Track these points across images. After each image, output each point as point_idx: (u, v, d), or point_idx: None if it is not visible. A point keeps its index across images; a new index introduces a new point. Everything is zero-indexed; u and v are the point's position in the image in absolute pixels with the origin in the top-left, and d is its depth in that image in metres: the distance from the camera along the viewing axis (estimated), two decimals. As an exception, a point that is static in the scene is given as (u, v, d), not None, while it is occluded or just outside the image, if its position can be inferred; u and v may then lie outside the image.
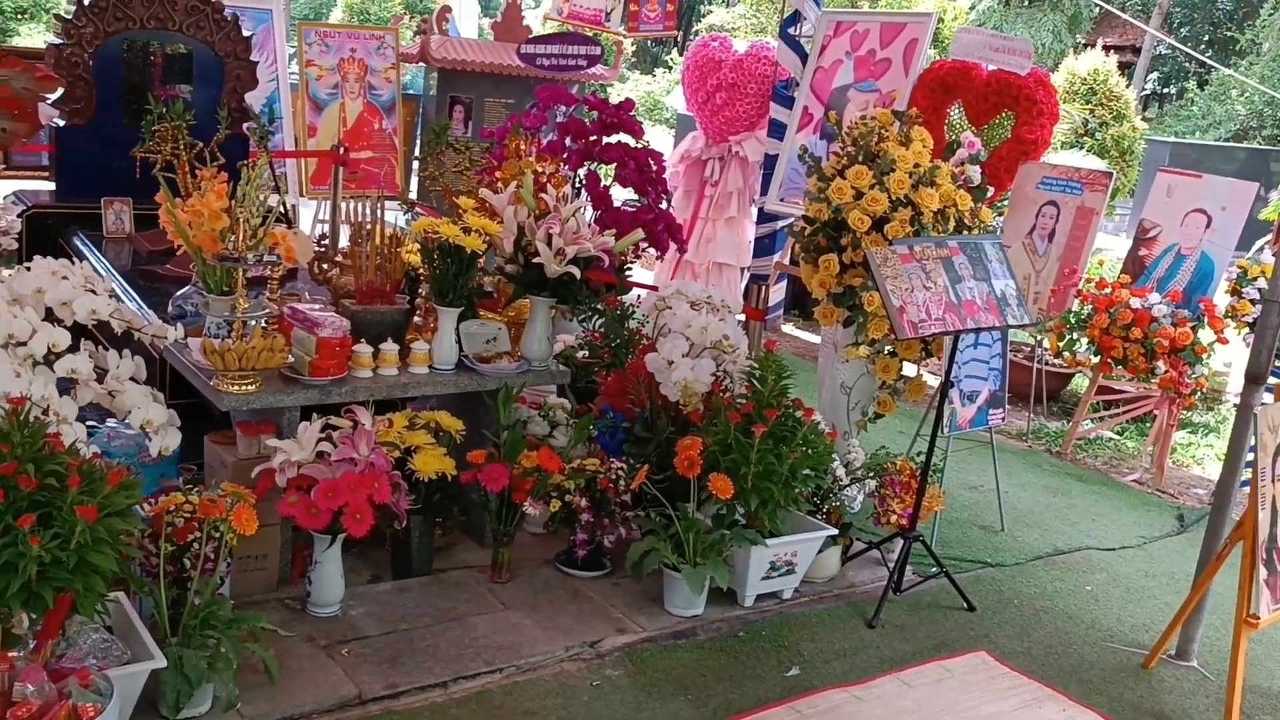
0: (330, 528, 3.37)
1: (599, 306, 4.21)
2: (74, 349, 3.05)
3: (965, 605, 4.13)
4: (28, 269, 3.14)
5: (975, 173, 4.64)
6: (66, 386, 3.06)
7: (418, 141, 8.39)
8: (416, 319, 4.14)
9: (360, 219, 4.11)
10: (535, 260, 3.94)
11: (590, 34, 7.16)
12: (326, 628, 3.46)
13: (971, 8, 18.42)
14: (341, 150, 6.39)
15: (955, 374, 4.46)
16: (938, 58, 7.12)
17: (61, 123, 5.76)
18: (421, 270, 4.10)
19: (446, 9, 8.10)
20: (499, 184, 4.23)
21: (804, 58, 7.23)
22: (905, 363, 4.54)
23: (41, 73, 4.05)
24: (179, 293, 3.93)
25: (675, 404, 4.06)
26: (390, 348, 3.87)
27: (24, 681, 2.28)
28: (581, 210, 4.06)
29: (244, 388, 3.51)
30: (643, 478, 3.72)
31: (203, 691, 2.88)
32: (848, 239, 4.38)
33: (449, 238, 3.80)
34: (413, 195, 8.20)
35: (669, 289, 4.30)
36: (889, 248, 3.86)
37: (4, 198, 5.97)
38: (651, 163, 5.27)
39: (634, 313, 4.52)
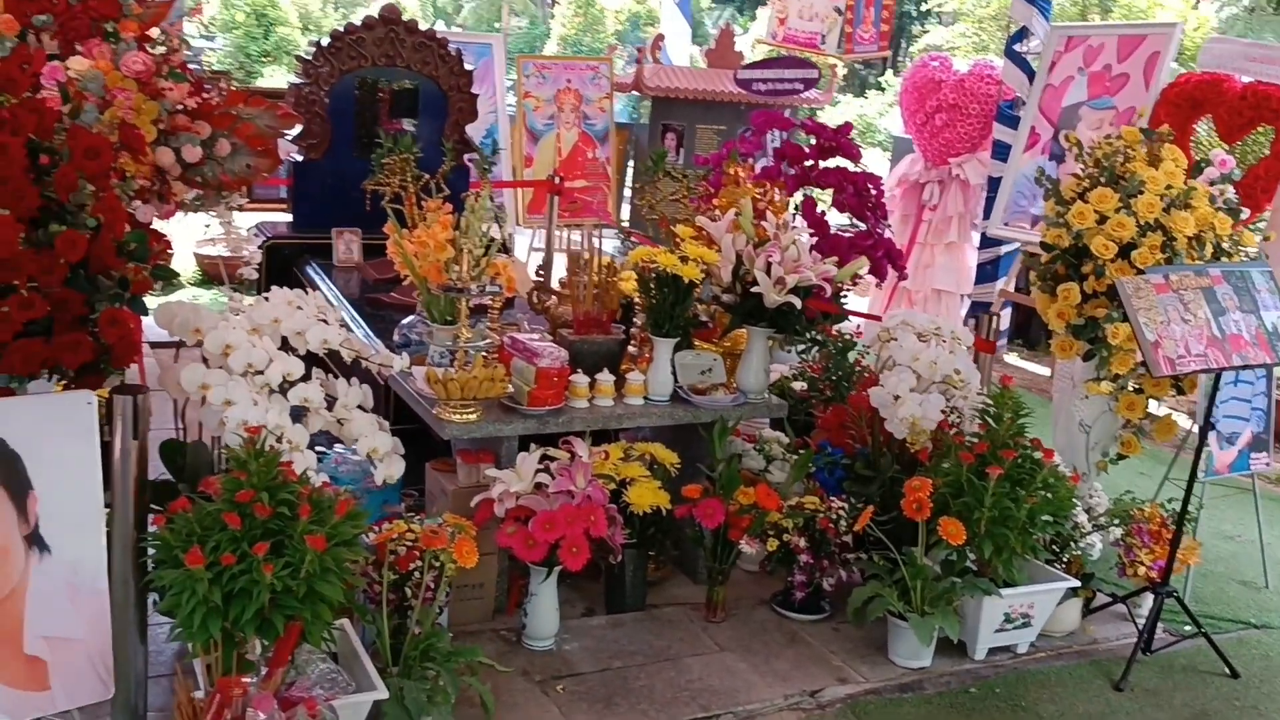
0: (547, 560, 3.34)
1: (817, 337, 4.05)
2: (306, 377, 3.13)
3: (1227, 671, 3.72)
4: (266, 299, 3.24)
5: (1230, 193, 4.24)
6: (298, 413, 3.14)
7: (630, 169, 8.44)
8: (631, 349, 4.10)
9: (578, 249, 4.10)
10: (754, 289, 3.82)
11: (804, 57, 7.04)
12: (541, 662, 3.43)
13: (1219, 10, 17.12)
14: (557, 180, 6.47)
15: (1213, 414, 4.06)
16: (1180, 71, 6.62)
17: (299, 158, 6.06)
18: (637, 299, 4.05)
19: (660, 37, 8.13)
20: (716, 211, 4.14)
21: (1031, 75, 6.86)
22: (1151, 400, 4.18)
23: (282, 111, 4.21)
24: (404, 321, 4.01)
25: (901, 441, 3.85)
26: (606, 378, 3.83)
27: (256, 709, 2.31)
28: (801, 237, 3.92)
29: (465, 416, 3.53)
30: (867, 519, 3.54)
31: (422, 723, 2.87)
32: (1090, 267, 4.06)
33: (666, 267, 3.73)
34: (624, 223, 8.25)
35: (893, 319, 4.09)
36: (1142, 277, 3.55)
37: (247, 230, 6.32)
38: (870, 187, 5.08)
39: (855, 344, 4.32)
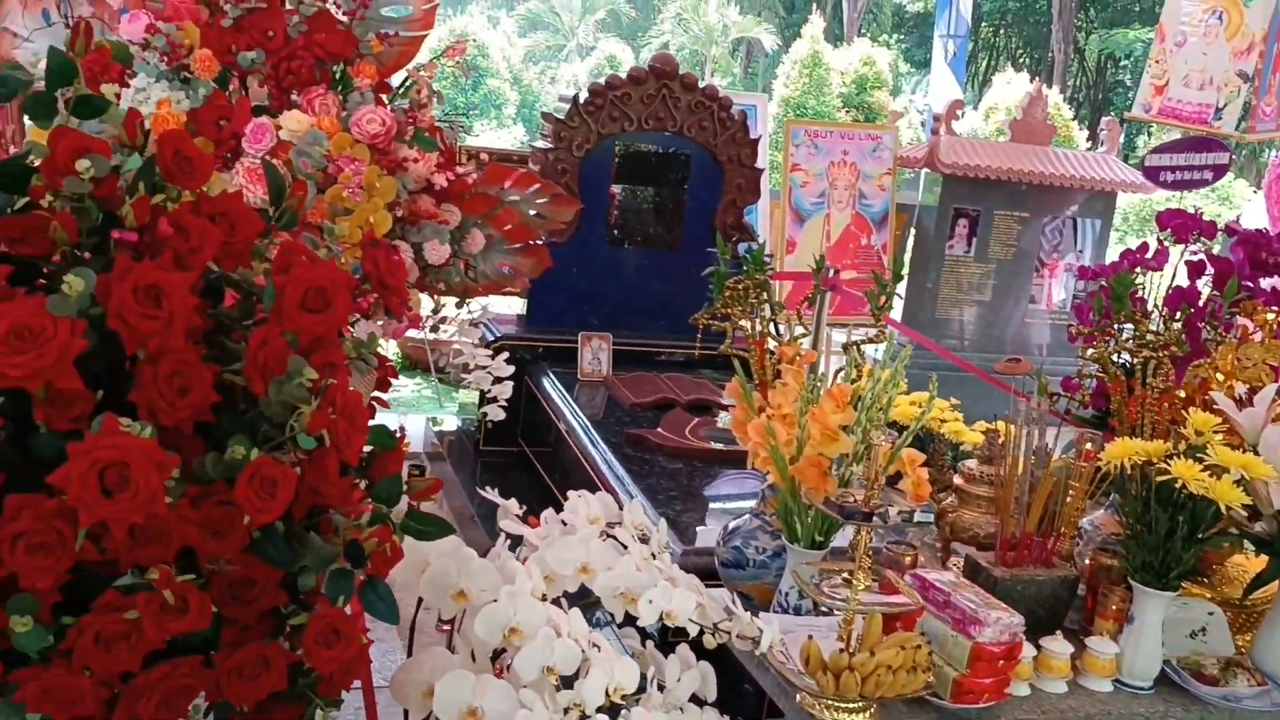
0: None
1: None
2: (640, 690, 1.79)
3: None
4: (564, 525, 1.93)
5: None
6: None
7: (907, 258, 7.03)
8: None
9: (1017, 422, 2.68)
10: (1318, 523, 2.33)
11: (1212, 137, 5.53)
12: None
13: None
14: (830, 272, 5.12)
15: None
16: None
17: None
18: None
19: (958, 103, 6.72)
20: (1220, 378, 2.65)
21: None
22: None
23: (554, 192, 2.98)
24: (734, 524, 2.64)
25: None
26: (1059, 649, 2.39)
27: None
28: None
29: None
30: None
31: None
32: None
33: (1186, 481, 2.27)
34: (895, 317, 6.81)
35: None
36: None
37: (468, 320, 5.07)
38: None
39: None
